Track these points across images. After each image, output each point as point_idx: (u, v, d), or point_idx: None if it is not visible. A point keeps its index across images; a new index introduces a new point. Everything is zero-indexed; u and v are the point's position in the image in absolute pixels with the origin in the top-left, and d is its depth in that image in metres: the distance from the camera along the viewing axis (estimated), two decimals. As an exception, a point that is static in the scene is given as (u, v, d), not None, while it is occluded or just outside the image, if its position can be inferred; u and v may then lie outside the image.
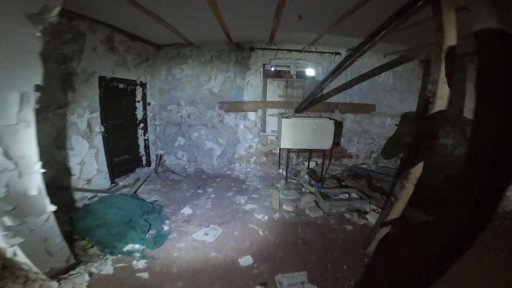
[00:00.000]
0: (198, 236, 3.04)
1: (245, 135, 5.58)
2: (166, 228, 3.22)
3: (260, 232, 3.13)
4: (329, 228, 3.27)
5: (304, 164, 5.64)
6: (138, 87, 5.05)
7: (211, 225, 3.27)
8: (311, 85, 5.38)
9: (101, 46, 3.94)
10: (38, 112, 3.16)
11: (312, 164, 5.57)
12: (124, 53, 4.44)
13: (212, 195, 4.17)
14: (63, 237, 2.40)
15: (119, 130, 4.73)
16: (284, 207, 3.73)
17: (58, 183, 3.49)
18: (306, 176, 4.68)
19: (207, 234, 3.09)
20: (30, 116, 2.11)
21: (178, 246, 2.84)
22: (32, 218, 2.13)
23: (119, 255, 2.67)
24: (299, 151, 5.58)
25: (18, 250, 2.07)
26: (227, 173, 5.24)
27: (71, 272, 2.36)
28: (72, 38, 3.46)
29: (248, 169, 5.39)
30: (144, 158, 5.42)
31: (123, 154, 4.88)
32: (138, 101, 5.15)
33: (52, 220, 2.30)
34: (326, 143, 4.46)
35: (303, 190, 4.30)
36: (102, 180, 4.21)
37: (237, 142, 5.60)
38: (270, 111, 5.64)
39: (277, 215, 3.55)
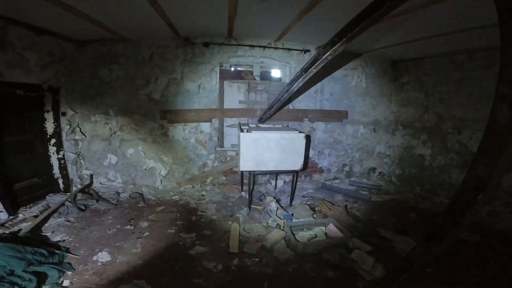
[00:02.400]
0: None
1: (197, 151, 4.61)
2: (66, 283, 2.23)
3: (210, 293, 2.17)
4: (306, 277, 2.42)
5: (271, 183, 4.82)
6: (46, 93, 3.91)
7: (135, 281, 2.26)
8: (277, 88, 4.66)
9: None
10: None
11: (280, 184, 4.78)
12: (23, 51, 3.38)
13: (146, 233, 3.11)
14: None
15: (19, 149, 3.67)
16: (246, 249, 2.81)
17: None
18: (273, 203, 3.81)
19: (126, 300, 2.06)
20: None
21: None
22: None
23: None
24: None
25: None
26: (174, 198, 4.18)
27: None
28: None
29: (203, 193, 4.38)
30: (61, 181, 4.19)
31: (28, 177, 3.80)
32: (48, 111, 3.99)
33: None
34: (296, 163, 3.68)
35: (270, 221, 3.44)
36: None
37: (187, 160, 4.60)
38: (228, 121, 4.78)
39: (235, 262, 2.62)
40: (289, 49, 4.65)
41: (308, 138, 4.91)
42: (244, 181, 4.43)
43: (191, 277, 2.36)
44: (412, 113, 5.14)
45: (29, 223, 3.12)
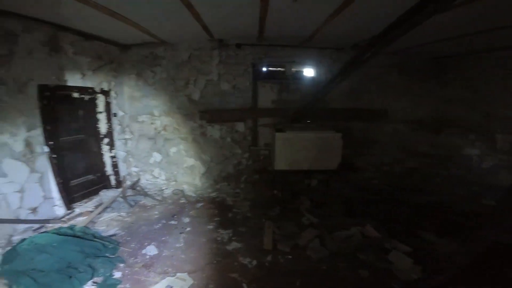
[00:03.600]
0: (159, 290, 2.27)
1: (233, 150, 4.83)
2: (117, 274, 2.52)
3: (245, 286, 2.34)
4: (338, 276, 2.49)
5: (305, 182, 4.87)
6: (99, 95, 4.35)
7: (178, 274, 2.51)
8: (310, 87, 4.68)
9: (40, 48, 3.27)
10: None
11: (315, 183, 4.80)
12: (75, 56, 3.78)
13: (188, 228, 3.40)
14: None
15: (75, 147, 4.08)
16: (279, 246, 2.96)
17: None
18: (308, 202, 3.88)
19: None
20: None
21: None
22: None
23: None
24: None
25: None
26: (212, 195, 4.45)
27: None
28: None
29: (238, 190, 4.60)
30: (113, 178, 4.66)
31: (83, 174, 4.22)
32: (101, 112, 4.44)
33: None
34: (332, 162, 3.69)
35: (304, 220, 3.52)
36: (52, 208, 3.54)
37: (224, 158, 4.84)
38: (262, 120, 4.91)
39: (269, 258, 2.77)
40: (322, 48, 4.62)
41: (344, 138, 4.87)
42: (278, 179, 4.55)
43: (228, 271, 2.56)
44: (457, 111, 4.82)
45: (85, 217, 3.53)
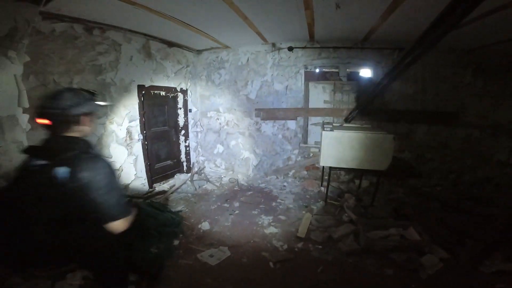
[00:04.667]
0: (202, 257, 2.84)
1: (283, 146, 5.17)
2: (176, 242, 3.12)
3: (271, 265, 2.71)
4: (362, 270, 2.62)
5: (354, 182, 4.87)
6: (179, 94, 5.23)
7: (220, 247, 3.02)
8: (366, 88, 4.63)
9: (137, 55, 4.17)
10: None
11: (365, 184, 4.76)
12: (161, 61, 4.64)
13: (236, 211, 3.92)
14: None
15: (161, 137, 4.98)
16: (312, 236, 3.20)
17: None
18: (352, 200, 3.96)
19: (212, 257, 2.85)
20: (21, 137, 2.21)
21: (178, 264, 2.71)
22: None
23: None
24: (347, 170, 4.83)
25: None
26: (261, 186, 4.92)
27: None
28: (107, 49, 3.73)
29: (285, 184, 4.95)
30: (185, 164, 5.56)
31: (164, 160, 5.13)
32: (180, 108, 5.34)
33: None
34: (382, 163, 3.64)
35: (344, 217, 3.64)
36: (139, 185, 4.45)
37: (274, 153, 5.23)
38: (313, 119, 5.10)
39: (300, 245, 3.06)
40: (379, 48, 4.51)
41: (403, 140, 4.68)
42: (325, 177, 4.69)
43: (260, 250, 2.96)
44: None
45: (162, 195, 4.39)
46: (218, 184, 5.01)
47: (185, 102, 5.37)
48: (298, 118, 5.04)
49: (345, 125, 4.60)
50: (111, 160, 3.93)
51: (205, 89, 5.47)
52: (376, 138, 3.62)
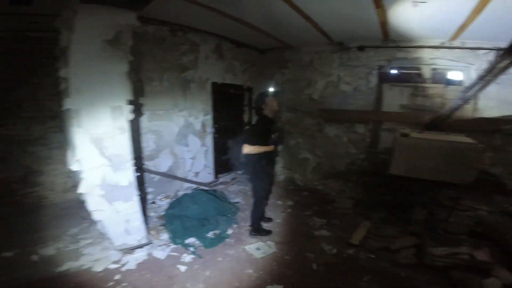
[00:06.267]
0: (250, 248, 2.99)
1: (347, 149, 4.89)
2: (229, 232, 3.34)
3: (314, 266, 2.67)
4: (411, 284, 2.39)
5: (427, 194, 4.28)
6: (245, 91, 5.54)
7: (268, 241, 3.12)
8: (455, 92, 4.04)
9: (212, 54, 4.62)
10: (166, 114, 4.17)
11: (441, 197, 4.14)
12: (231, 60, 5.01)
13: (289, 210, 3.96)
14: (144, 220, 2.95)
15: (227, 131, 5.32)
16: (367, 244, 3.04)
17: (172, 172, 4.37)
18: (423, 213, 3.53)
19: (259, 249, 2.97)
20: (124, 124, 2.64)
21: (226, 252, 2.90)
22: (119, 203, 2.70)
23: (179, 245, 2.99)
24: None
25: (104, 224, 2.71)
26: (318, 188, 4.82)
27: (137, 250, 2.84)
28: (189, 49, 4.27)
29: (345, 188, 4.70)
30: (245, 159, 5.82)
31: (227, 153, 5.33)
32: (245, 105, 5.65)
33: (136, 206, 2.83)
34: (466, 176, 3.12)
35: (409, 229, 3.31)
36: (207, 175, 4.93)
37: (336, 156, 4.99)
38: (386, 124, 4.64)
39: (350, 251, 2.94)
40: (472, 48, 3.85)
41: (494, 152, 3.93)
42: (393, 185, 4.27)
43: (306, 250, 2.94)
44: None
45: (223, 186, 4.74)
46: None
47: (250, 100, 5.63)
48: (369, 122, 4.67)
49: (424, 132, 4.10)
50: (188, 149, 4.49)
51: (267, 87, 5.60)
52: (462, 148, 3.14)
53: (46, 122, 3.63)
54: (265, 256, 2.84)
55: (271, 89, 5.04)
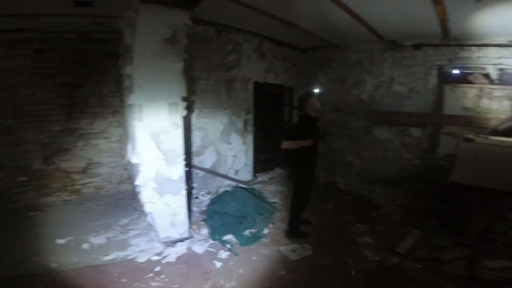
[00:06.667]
0: (285, 249, 2.93)
1: (399, 154, 4.49)
2: (265, 231, 3.32)
3: (353, 273, 2.51)
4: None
5: (488, 204, 3.72)
6: (285, 91, 5.52)
7: (304, 244, 3.02)
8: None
9: (253, 54, 4.70)
10: (212, 112, 4.34)
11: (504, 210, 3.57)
12: (272, 59, 5.02)
13: (329, 213, 3.79)
14: (188, 215, 3.10)
15: (266, 131, 5.35)
16: (414, 254, 2.76)
17: (215, 169, 4.54)
18: (481, 224, 3.08)
19: (294, 252, 2.90)
20: (178, 120, 2.82)
21: (261, 252, 2.88)
22: (169, 196, 2.88)
23: (217, 241, 3.06)
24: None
25: (153, 215, 2.92)
26: (363, 193, 4.52)
27: (178, 243, 2.96)
28: (232, 49, 4.41)
29: (394, 195, 4.33)
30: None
31: (267, 153, 5.47)
32: (285, 105, 5.62)
33: (183, 200, 2.99)
34: None
35: (464, 240, 2.96)
36: (246, 173, 5.00)
37: (385, 160, 4.63)
38: (447, 128, 4.18)
39: (395, 260, 2.69)
40: None
41: None
42: (451, 194, 3.80)
43: (345, 256, 2.78)
44: None
45: (262, 185, 4.71)
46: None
47: (291, 99, 5.57)
48: (427, 125, 4.27)
49: (491, 137, 3.61)
50: (230, 147, 4.62)
51: (310, 87, 5.44)
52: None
53: (108, 117, 4.06)
54: (300, 258, 2.76)
55: (315, 90, 4.90)
